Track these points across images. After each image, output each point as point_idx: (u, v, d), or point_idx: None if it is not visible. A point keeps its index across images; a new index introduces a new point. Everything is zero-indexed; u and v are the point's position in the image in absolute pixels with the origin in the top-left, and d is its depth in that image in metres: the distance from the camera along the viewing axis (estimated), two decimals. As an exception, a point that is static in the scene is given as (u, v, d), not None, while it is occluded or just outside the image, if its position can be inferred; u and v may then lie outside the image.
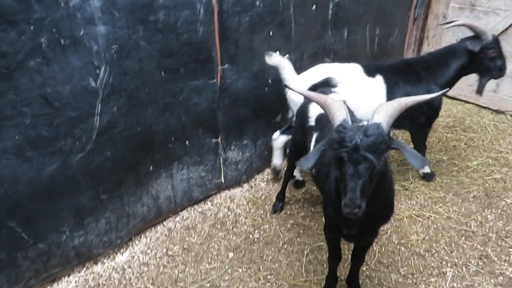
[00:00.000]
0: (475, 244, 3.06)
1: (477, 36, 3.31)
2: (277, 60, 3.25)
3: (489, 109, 4.99)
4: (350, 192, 1.71)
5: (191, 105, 3.12)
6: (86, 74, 2.45)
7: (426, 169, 3.77)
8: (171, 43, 2.80)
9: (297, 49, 3.67)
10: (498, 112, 4.92)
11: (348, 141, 1.69)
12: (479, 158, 4.08)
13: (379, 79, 3.37)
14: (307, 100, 2.86)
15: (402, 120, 3.36)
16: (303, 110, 2.86)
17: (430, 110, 3.45)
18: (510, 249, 2.99)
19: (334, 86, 2.95)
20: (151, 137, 2.97)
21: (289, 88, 2.27)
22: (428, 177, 3.77)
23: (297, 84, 3.23)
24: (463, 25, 3.35)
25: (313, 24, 3.72)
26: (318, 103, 2.01)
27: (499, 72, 3.40)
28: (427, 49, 5.32)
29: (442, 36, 5.16)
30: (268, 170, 4.03)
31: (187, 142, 3.24)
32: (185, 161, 3.30)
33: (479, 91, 3.58)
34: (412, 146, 3.73)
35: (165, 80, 2.89)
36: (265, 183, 3.88)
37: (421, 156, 1.77)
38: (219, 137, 3.45)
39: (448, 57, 3.43)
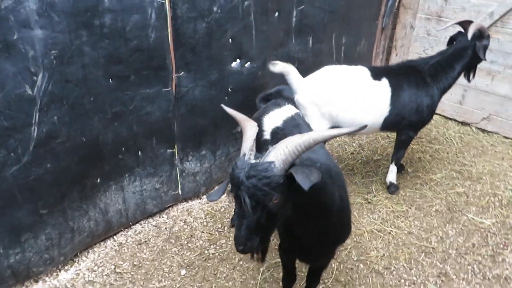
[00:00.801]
0: (434, 261, 3.00)
1: (480, 35, 3.36)
2: (282, 67, 3.19)
3: (455, 120, 4.99)
4: (236, 230, 1.63)
5: (144, 114, 2.96)
6: (21, 81, 2.27)
7: (392, 179, 3.71)
8: (120, 49, 2.64)
9: (259, 57, 3.56)
10: (463, 124, 4.92)
11: (234, 179, 1.58)
12: (443, 170, 4.04)
13: (384, 82, 3.35)
14: (262, 111, 2.74)
15: (399, 121, 3.38)
16: (258, 123, 2.73)
17: (429, 114, 3.48)
18: (469, 267, 2.94)
19: (288, 98, 2.85)
20: (98, 148, 2.79)
21: (223, 107, 2.24)
22: (391, 189, 3.71)
23: (306, 87, 3.21)
24: (470, 27, 3.34)
25: (275, 31, 3.62)
26: (240, 126, 1.94)
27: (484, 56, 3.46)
28: (395, 58, 5.30)
29: (409, 47, 5.15)
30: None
31: (139, 152, 3.07)
32: (138, 173, 3.13)
33: (469, 79, 3.68)
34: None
35: (114, 88, 2.72)
36: (225, 194, 3.73)
37: (309, 177, 1.54)
38: (175, 148, 3.29)
39: (455, 60, 3.47)
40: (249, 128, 1.87)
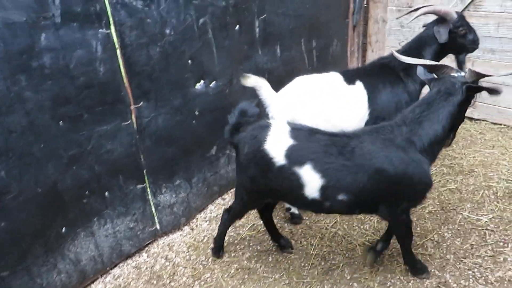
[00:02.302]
0: (432, 270, 2.80)
1: (442, 19, 3.21)
2: (254, 81, 2.99)
3: (440, 111, 4.82)
4: None
5: (104, 152, 2.76)
6: (-44, 139, 2.07)
7: None
8: (66, 89, 2.45)
9: (224, 75, 3.38)
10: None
11: None
12: (433, 167, 3.86)
13: (359, 86, 3.18)
14: (253, 143, 2.47)
15: None
16: (258, 155, 2.44)
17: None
18: (469, 272, 2.75)
19: (252, 116, 2.64)
20: (58, 195, 2.59)
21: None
22: None
23: (280, 102, 3.03)
24: (427, 13, 3.26)
25: (239, 45, 3.44)
26: None
27: (473, 45, 3.31)
28: (371, 55, 5.13)
29: (384, 41, 4.99)
30: (211, 207, 3.70)
31: (106, 193, 2.87)
32: (108, 215, 2.93)
33: (460, 68, 3.44)
34: None
35: (66, 130, 2.52)
36: (207, 222, 3.54)
37: None
38: (146, 182, 3.09)
39: (420, 49, 3.30)
40: None
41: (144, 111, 2.91)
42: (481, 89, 2.27)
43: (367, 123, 3.18)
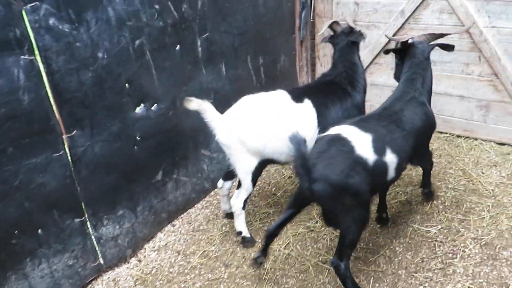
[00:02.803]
0: (384, 287, 2.77)
1: (347, 30, 3.50)
2: (197, 104, 2.90)
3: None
4: None
5: (35, 187, 2.56)
6: None
7: None
8: (-15, 121, 2.25)
9: (166, 97, 3.25)
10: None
11: None
12: (383, 179, 3.87)
13: (307, 104, 3.14)
14: (348, 151, 2.42)
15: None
16: (355, 165, 2.40)
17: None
18: (421, 287, 2.73)
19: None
20: (-19, 238, 2.36)
21: None
22: None
23: (226, 124, 2.96)
24: (330, 27, 3.55)
25: (180, 65, 3.33)
26: None
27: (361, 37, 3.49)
28: (320, 69, 5.15)
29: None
30: (160, 235, 3.52)
31: (39, 231, 2.65)
32: (42, 254, 2.70)
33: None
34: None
35: (-13, 166, 2.31)
36: (156, 252, 3.37)
37: None
38: (85, 215, 2.89)
39: (354, 58, 3.44)
40: None
41: (78, 140, 2.73)
42: (441, 45, 3.06)
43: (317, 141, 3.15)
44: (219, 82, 3.75)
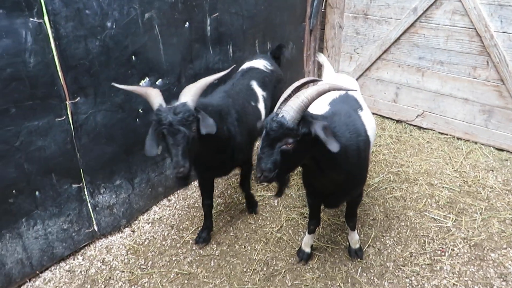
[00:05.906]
0: (371, 277, 2.81)
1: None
2: (322, 59, 3.77)
3: (391, 119, 4.91)
4: (174, 157, 2.21)
5: (35, 150, 2.59)
6: None
7: None
8: (-11, 80, 2.27)
9: (172, 73, 3.26)
10: (399, 122, 4.84)
11: (164, 120, 2.19)
12: (380, 174, 3.90)
13: None
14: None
15: None
16: None
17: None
18: (407, 280, 2.77)
19: None
20: (-21, 194, 2.41)
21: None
22: None
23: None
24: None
25: (188, 43, 3.33)
26: (140, 94, 2.39)
27: None
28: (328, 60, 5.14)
29: (340, 47, 5.01)
30: (155, 209, 3.57)
31: (36, 193, 2.69)
32: (38, 216, 2.75)
33: None
34: None
35: (-11, 125, 2.35)
36: (149, 224, 3.41)
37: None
38: (83, 182, 2.94)
39: None
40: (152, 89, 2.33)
41: (81, 107, 2.76)
42: None
43: None
44: (225, 64, 3.76)
